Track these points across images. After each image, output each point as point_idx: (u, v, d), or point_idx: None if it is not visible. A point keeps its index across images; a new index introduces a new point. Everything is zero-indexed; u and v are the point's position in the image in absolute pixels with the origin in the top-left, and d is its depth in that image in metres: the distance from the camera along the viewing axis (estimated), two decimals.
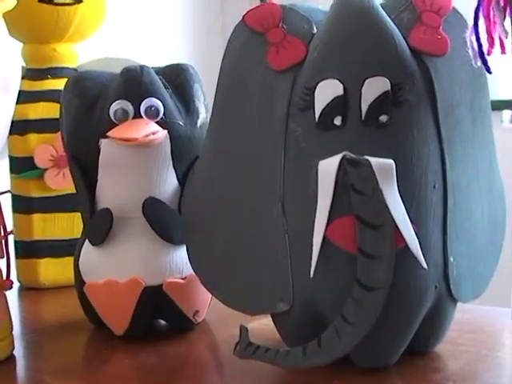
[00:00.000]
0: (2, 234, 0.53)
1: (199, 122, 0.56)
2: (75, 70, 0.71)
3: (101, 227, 0.54)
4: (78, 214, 0.69)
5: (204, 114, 0.56)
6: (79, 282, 0.56)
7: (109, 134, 0.53)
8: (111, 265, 0.54)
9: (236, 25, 0.48)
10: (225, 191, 0.49)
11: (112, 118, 0.53)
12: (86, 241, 0.56)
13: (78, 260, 0.57)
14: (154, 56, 1.28)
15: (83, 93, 0.54)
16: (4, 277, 0.53)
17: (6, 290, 0.53)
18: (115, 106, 0.53)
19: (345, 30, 0.45)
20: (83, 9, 0.69)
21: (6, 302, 0.53)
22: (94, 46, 0.78)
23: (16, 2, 0.51)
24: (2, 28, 0.51)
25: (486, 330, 0.54)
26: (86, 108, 0.54)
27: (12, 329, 0.53)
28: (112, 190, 0.54)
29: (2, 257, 0.53)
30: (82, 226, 0.69)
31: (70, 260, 0.69)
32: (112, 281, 0.53)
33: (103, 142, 0.53)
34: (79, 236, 0.70)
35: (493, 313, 0.58)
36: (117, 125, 0.53)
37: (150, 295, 0.53)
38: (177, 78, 0.56)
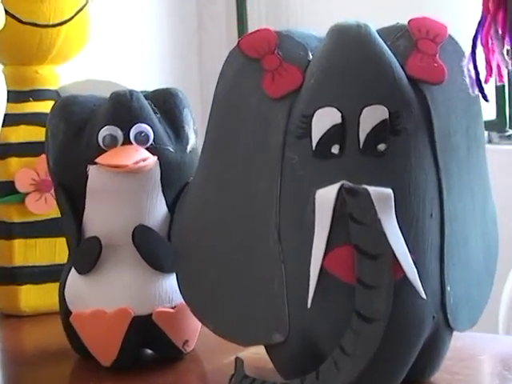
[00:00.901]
0: None
1: (189, 148, 0.55)
2: (57, 92, 0.70)
3: (89, 256, 0.52)
4: (60, 239, 0.68)
5: (194, 140, 0.55)
6: (64, 311, 0.55)
7: (97, 160, 0.52)
8: (99, 294, 0.53)
9: (231, 50, 0.47)
10: (217, 219, 0.48)
11: (101, 143, 0.52)
12: (72, 269, 0.54)
13: (64, 288, 0.55)
14: (131, 77, 1.28)
15: (70, 117, 0.53)
16: None
17: None
18: (104, 131, 0.52)
19: (342, 58, 0.45)
20: (66, 31, 0.68)
21: None
22: (74, 67, 0.77)
23: (3, 25, 0.50)
24: None
25: (479, 357, 0.54)
26: (74, 133, 0.53)
27: None
28: (100, 217, 0.53)
29: None
30: (64, 251, 0.68)
31: (51, 286, 0.68)
32: (100, 311, 0.52)
33: (91, 169, 0.52)
34: (61, 262, 0.68)
35: (484, 339, 0.58)
36: (105, 151, 0.52)
37: (139, 325, 0.52)
38: (166, 103, 0.55)
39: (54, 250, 0.68)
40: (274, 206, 0.46)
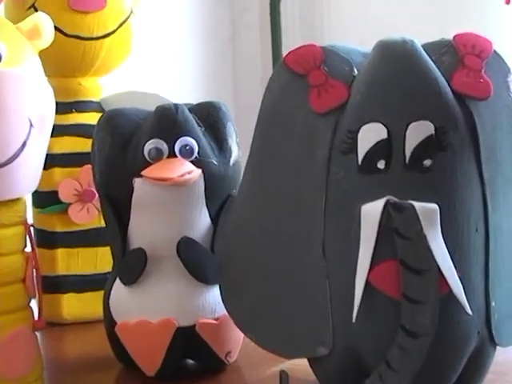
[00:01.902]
0: (35, 272, 0.52)
1: (232, 161, 0.55)
2: (99, 103, 0.71)
3: (134, 268, 0.53)
4: (102, 249, 0.70)
5: (236, 152, 0.56)
6: (109, 320, 0.56)
7: (143, 173, 0.52)
8: (143, 304, 0.53)
9: (276, 66, 0.48)
10: (261, 232, 0.49)
11: (146, 156, 0.53)
12: (117, 279, 0.55)
13: (109, 298, 0.56)
14: (165, 86, 1.28)
15: (116, 130, 0.54)
16: (36, 317, 0.52)
17: (38, 330, 0.53)
18: (150, 144, 0.53)
19: (388, 74, 0.45)
20: (109, 43, 0.69)
21: (38, 342, 0.53)
22: (113, 77, 0.78)
23: (52, 40, 0.51)
24: (38, 65, 0.51)
25: None
26: (120, 146, 0.54)
27: (43, 369, 0.52)
28: (145, 229, 0.54)
29: (34, 296, 0.53)
30: (105, 260, 0.69)
31: (93, 295, 0.69)
32: (144, 321, 0.53)
33: (137, 181, 0.53)
34: (102, 271, 0.70)
35: None
36: (151, 164, 0.53)
37: (183, 336, 0.53)
38: (209, 116, 0.55)
39: (96, 260, 0.69)
40: (319, 221, 0.46)
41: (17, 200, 0.50)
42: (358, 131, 0.45)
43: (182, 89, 1.35)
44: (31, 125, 0.49)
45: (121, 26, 0.69)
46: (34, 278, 0.52)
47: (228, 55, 1.41)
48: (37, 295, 0.53)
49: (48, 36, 0.50)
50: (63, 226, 0.69)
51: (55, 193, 0.68)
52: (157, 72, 1.25)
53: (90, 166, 0.67)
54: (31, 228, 0.52)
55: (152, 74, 1.21)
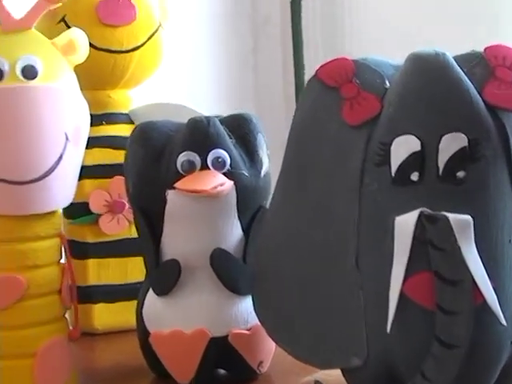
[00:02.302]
0: (70, 282, 0.53)
1: (263, 172, 0.56)
2: (128, 115, 0.72)
3: (168, 278, 0.54)
4: (132, 259, 0.70)
5: (267, 164, 0.57)
6: (142, 330, 0.56)
7: (176, 185, 0.53)
8: (176, 315, 0.54)
9: (309, 79, 0.48)
10: (294, 243, 0.49)
11: (179, 169, 0.53)
12: (150, 289, 0.56)
13: (142, 308, 0.56)
14: (189, 97, 1.29)
15: (149, 143, 0.55)
16: (71, 327, 0.53)
17: (73, 340, 0.53)
18: (182, 157, 0.53)
19: (420, 86, 0.45)
20: (139, 56, 0.70)
21: (72, 352, 0.53)
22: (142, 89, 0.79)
23: (93, 56, 0.52)
24: (74, 80, 0.52)
25: None
26: (152, 158, 0.55)
27: (78, 379, 0.53)
28: (178, 241, 0.54)
29: (70, 307, 0.53)
30: (135, 270, 0.70)
31: (123, 305, 0.70)
32: (178, 331, 0.53)
33: (170, 193, 0.54)
34: (132, 281, 0.70)
35: None
36: (183, 176, 0.53)
37: (216, 346, 0.53)
38: (240, 128, 0.56)
39: (126, 270, 0.70)
40: (352, 232, 0.46)
41: (53, 212, 0.51)
42: (391, 143, 0.45)
43: (204, 100, 1.36)
44: (67, 138, 0.50)
45: (150, 38, 0.70)
46: (69, 289, 0.53)
47: (249, 66, 1.42)
48: (72, 306, 0.53)
49: (83, 51, 0.51)
50: (94, 237, 0.70)
51: (86, 204, 0.69)
52: (180, 83, 1.26)
53: (119, 177, 0.68)
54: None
55: (175, 85, 1.22)
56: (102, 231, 0.69)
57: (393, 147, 0.45)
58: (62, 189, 0.51)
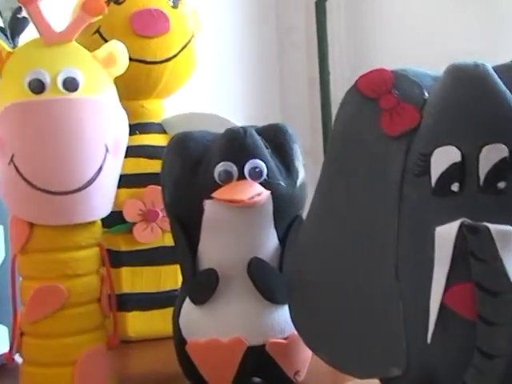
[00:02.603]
0: (109, 291, 0.54)
1: (299, 182, 0.56)
2: (161, 124, 0.73)
3: (206, 288, 0.54)
4: (165, 268, 0.71)
5: (303, 174, 0.57)
6: (179, 338, 0.57)
7: (214, 195, 0.53)
8: (213, 323, 0.54)
9: (347, 90, 0.49)
10: (332, 253, 0.49)
11: (216, 179, 0.54)
12: (187, 298, 0.56)
13: (178, 316, 0.57)
14: (215, 105, 1.30)
15: (186, 153, 0.55)
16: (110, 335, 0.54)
17: (113, 348, 0.54)
18: (220, 167, 0.54)
19: (460, 96, 0.45)
20: (172, 66, 0.70)
21: (110, 360, 0.54)
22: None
23: (127, 67, 0.53)
24: (114, 91, 0.52)
25: None
26: (189, 168, 0.55)
27: None
28: (215, 249, 0.55)
29: (109, 316, 0.54)
30: (168, 279, 0.70)
31: (157, 313, 0.71)
32: (215, 340, 0.54)
33: (207, 203, 0.54)
34: (165, 289, 0.71)
35: None
36: (221, 186, 0.54)
37: (253, 355, 0.54)
38: (276, 139, 0.57)
39: (159, 278, 0.71)
40: (392, 243, 0.46)
41: (93, 222, 0.52)
42: (431, 154, 0.45)
43: (231, 107, 1.36)
44: (107, 150, 0.51)
45: (183, 49, 0.71)
46: (108, 298, 0.54)
47: (275, 74, 1.43)
48: (111, 314, 0.54)
49: (123, 64, 0.52)
50: (128, 245, 0.70)
51: (120, 213, 0.70)
52: (206, 91, 1.27)
53: (153, 186, 0.68)
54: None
55: (201, 92, 1.22)
56: (135, 240, 0.70)
57: (433, 158, 0.45)
58: (102, 199, 0.51)
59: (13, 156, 0.48)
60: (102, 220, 0.71)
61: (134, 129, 0.71)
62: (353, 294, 0.48)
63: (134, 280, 0.70)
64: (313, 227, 0.51)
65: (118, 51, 0.51)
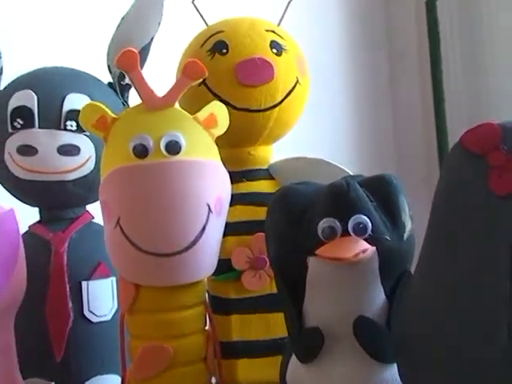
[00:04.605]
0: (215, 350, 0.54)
1: (406, 235, 0.55)
2: (268, 170, 0.73)
3: (311, 348, 0.53)
4: (274, 315, 0.70)
5: (410, 226, 0.55)
6: None
7: (318, 252, 0.53)
8: (320, 383, 0.53)
9: (453, 146, 0.47)
10: (442, 314, 0.47)
11: (320, 235, 0.53)
12: (293, 354, 0.56)
13: (285, 372, 0.56)
14: (323, 137, 1.29)
15: (290, 208, 0.55)
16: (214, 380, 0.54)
17: None
18: (323, 223, 0.53)
19: None
20: (277, 113, 0.70)
21: None
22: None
23: (226, 128, 0.53)
24: (215, 152, 0.53)
25: None
26: (293, 224, 0.55)
27: None
28: (320, 307, 0.54)
29: (215, 374, 0.54)
30: (278, 326, 0.70)
31: (266, 360, 0.70)
32: None
33: (311, 260, 0.53)
34: (275, 336, 0.70)
35: None
36: (324, 242, 0.53)
37: None
38: (381, 191, 0.55)
39: (268, 325, 0.70)
40: (503, 305, 0.44)
41: (197, 282, 0.53)
42: None
43: (341, 135, 1.35)
44: (210, 210, 0.51)
45: (288, 95, 0.70)
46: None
47: (387, 98, 1.40)
48: (217, 372, 0.54)
49: (224, 124, 0.52)
50: (237, 293, 0.70)
51: (228, 260, 0.70)
52: (317, 125, 1.26)
53: (261, 233, 0.68)
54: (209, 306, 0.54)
55: (312, 127, 1.22)
56: (244, 287, 0.70)
57: None
58: (206, 259, 0.52)
59: (119, 219, 0.49)
60: None
61: (241, 176, 0.72)
62: (465, 353, 0.46)
63: (243, 328, 0.70)
64: (419, 284, 0.49)
65: (218, 112, 0.52)
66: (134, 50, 0.49)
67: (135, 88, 0.49)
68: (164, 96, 0.50)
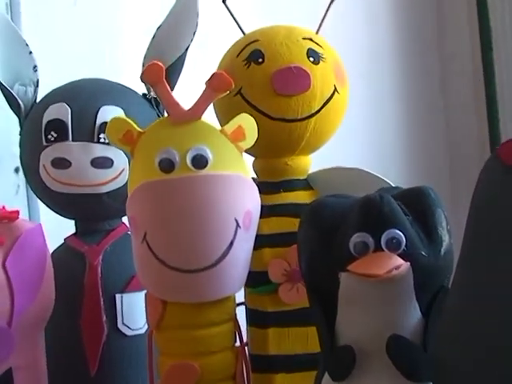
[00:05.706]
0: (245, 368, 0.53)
1: (443, 250, 0.52)
2: (306, 180, 0.71)
3: (343, 366, 0.52)
4: (312, 329, 0.68)
5: (448, 241, 0.53)
6: None
7: (349, 268, 0.51)
8: None
9: (488, 158, 0.45)
10: (480, 334, 0.45)
11: (352, 250, 0.52)
12: (326, 373, 0.54)
13: None
14: (371, 146, 1.27)
15: (321, 225, 0.54)
16: None
17: None
18: (355, 238, 0.51)
19: None
20: (314, 122, 0.69)
21: None
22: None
23: (254, 141, 0.52)
24: (243, 165, 0.52)
25: None
26: (324, 240, 0.53)
27: None
28: (352, 324, 0.52)
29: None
30: (316, 340, 0.68)
31: (303, 375, 0.69)
32: None
33: (343, 276, 0.52)
34: (313, 351, 0.69)
35: None
36: (356, 258, 0.51)
37: None
38: (417, 204, 0.53)
39: (306, 339, 0.69)
40: None
41: (226, 298, 0.51)
42: None
43: (393, 143, 1.33)
44: (237, 224, 0.50)
45: (325, 105, 0.69)
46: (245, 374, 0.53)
47: (439, 102, 1.37)
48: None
49: (252, 137, 0.51)
50: (274, 306, 0.69)
51: (265, 273, 0.69)
52: (366, 128, 1.24)
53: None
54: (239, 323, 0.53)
55: (360, 131, 1.20)
56: (281, 300, 0.68)
57: None
58: (234, 275, 0.51)
59: (145, 234, 0.49)
60: (248, 280, 0.71)
61: (279, 187, 0.70)
62: (502, 374, 0.44)
63: (281, 341, 0.69)
64: (456, 302, 0.47)
65: (246, 125, 0.51)
66: (159, 63, 0.48)
67: (161, 101, 0.48)
68: (190, 109, 0.49)
